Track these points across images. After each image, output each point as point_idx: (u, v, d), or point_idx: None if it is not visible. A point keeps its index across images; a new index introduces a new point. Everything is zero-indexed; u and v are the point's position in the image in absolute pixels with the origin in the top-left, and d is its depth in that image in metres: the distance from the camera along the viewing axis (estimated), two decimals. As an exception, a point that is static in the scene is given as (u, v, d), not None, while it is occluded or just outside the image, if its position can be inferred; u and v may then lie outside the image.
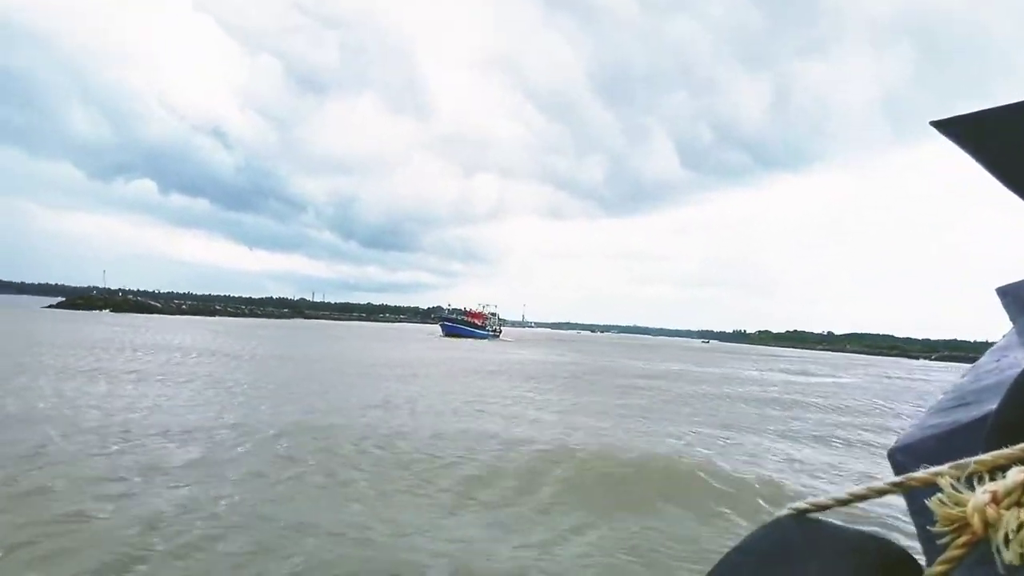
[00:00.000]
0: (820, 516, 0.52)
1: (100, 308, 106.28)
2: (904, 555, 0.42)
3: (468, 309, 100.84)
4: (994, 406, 0.54)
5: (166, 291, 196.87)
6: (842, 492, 0.49)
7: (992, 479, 0.36)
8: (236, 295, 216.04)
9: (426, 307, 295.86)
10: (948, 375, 48.32)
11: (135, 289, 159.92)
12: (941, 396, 0.76)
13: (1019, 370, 0.54)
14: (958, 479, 0.38)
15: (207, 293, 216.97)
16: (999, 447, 0.38)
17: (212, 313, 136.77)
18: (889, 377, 45.67)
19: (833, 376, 42.51)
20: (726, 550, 0.53)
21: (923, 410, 0.75)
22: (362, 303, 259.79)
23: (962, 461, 0.39)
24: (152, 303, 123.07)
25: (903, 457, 0.72)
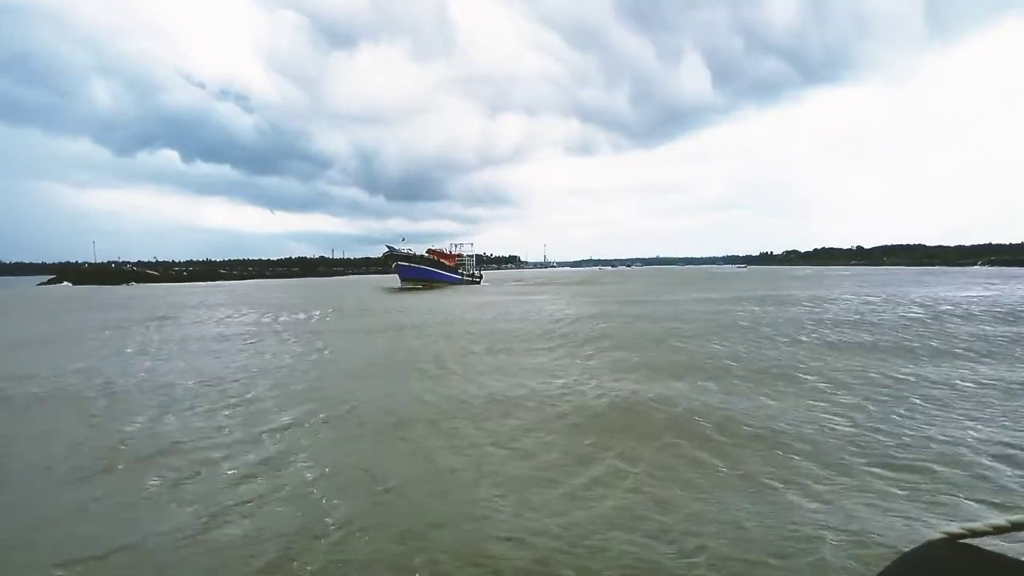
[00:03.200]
0: (975, 543, 0.45)
1: (90, 282, 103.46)
2: None
3: (434, 249, 79.58)
4: None
5: (184, 259, 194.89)
6: (1001, 519, 0.43)
7: None
8: (256, 258, 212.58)
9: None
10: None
11: (153, 260, 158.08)
12: None
13: None
14: None
15: (228, 258, 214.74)
16: None
17: (216, 277, 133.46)
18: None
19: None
20: (876, 572, 0.47)
21: None
22: (379, 256, 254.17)
23: None
24: (150, 272, 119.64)
25: None
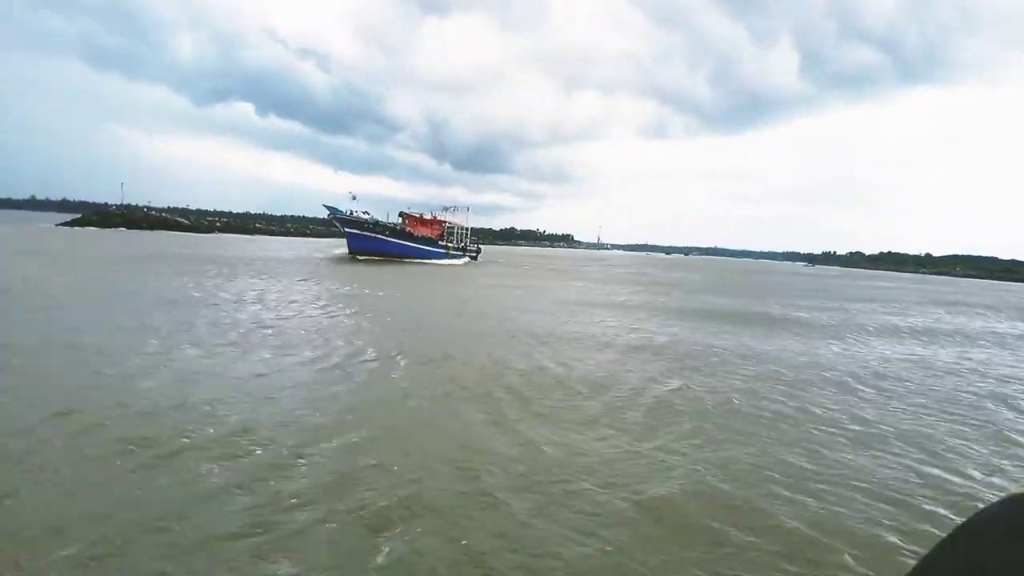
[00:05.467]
0: None
1: (116, 225, 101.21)
2: None
3: (409, 213, 62.92)
4: None
5: (241, 211, 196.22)
6: None
7: None
8: (312, 216, 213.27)
9: (499, 228, 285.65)
10: None
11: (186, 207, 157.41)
12: None
13: None
14: None
15: (290, 214, 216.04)
16: None
17: (251, 231, 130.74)
18: None
19: None
20: (951, 527, 0.47)
21: None
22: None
23: None
24: (180, 220, 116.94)
25: None
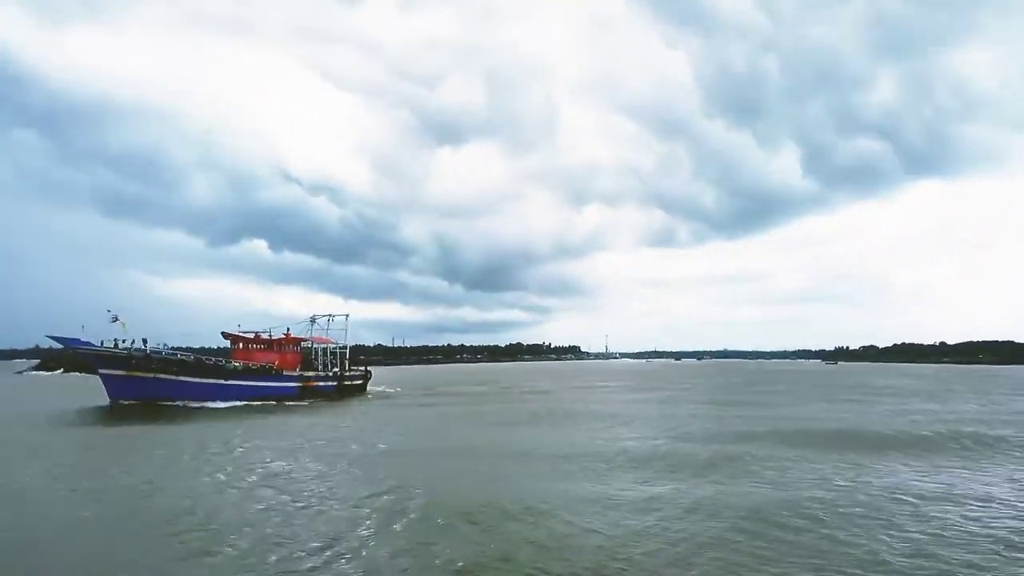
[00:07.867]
0: None
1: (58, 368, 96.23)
2: None
3: (233, 333, 43.55)
4: None
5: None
6: None
7: None
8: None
9: (504, 344, 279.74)
10: None
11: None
12: None
13: None
14: None
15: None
16: None
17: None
18: None
19: None
20: None
21: None
22: (440, 345, 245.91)
23: None
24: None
25: None
